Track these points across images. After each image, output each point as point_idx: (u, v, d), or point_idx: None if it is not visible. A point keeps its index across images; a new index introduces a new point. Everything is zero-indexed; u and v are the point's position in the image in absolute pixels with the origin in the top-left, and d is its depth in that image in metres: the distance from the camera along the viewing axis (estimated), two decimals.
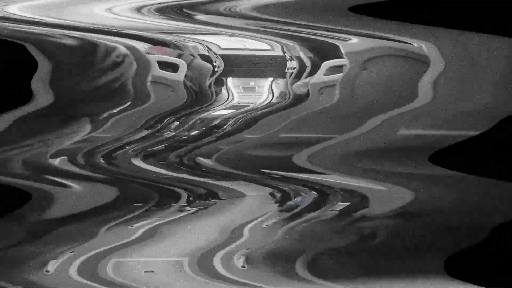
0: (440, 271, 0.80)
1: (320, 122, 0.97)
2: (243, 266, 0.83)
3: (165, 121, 1.46)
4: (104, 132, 0.99)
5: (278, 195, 2.24)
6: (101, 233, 0.92)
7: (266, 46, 1.05)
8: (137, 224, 1.20)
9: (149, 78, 1.01)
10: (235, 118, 1.19)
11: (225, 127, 1.22)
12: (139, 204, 0.90)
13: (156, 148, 1.27)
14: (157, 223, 1.26)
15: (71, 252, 0.91)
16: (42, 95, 0.85)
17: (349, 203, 0.98)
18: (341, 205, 1.00)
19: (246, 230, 1.18)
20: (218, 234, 1.64)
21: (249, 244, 0.98)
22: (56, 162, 0.94)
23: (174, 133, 1.32)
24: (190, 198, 1.58)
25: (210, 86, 1.17)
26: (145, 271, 1.10)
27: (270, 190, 2.36)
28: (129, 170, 1.09)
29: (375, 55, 0.90)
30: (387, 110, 0.86)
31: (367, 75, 0.90)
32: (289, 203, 1.50)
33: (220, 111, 1.24)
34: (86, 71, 0.92)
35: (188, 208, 1.52)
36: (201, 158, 1.19)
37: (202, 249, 1.12)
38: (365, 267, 0.83)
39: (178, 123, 1.43)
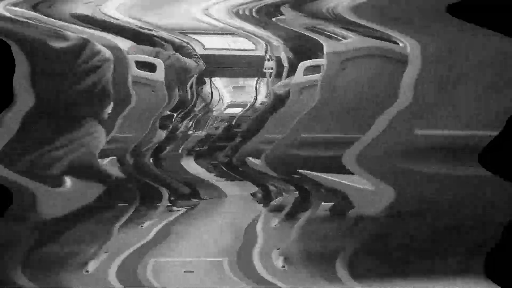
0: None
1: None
2: (283, 266, 0.82)
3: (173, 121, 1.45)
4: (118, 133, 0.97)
5: (259, 195, 2.22)
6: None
7: None
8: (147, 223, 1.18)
9: None
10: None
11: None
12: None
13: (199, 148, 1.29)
14: (164, 222, 1.24)
15: (105, 252, 0.90)
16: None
17: None
18: None
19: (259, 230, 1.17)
20: (233, 234, 1.61)
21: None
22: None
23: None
24: (172, 198, 1.52)
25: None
26: (185, 271, 1.07)
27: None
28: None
29: None
30: None
31: None
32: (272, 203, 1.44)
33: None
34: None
35: (175, 208, 1.45)
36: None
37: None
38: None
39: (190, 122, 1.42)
